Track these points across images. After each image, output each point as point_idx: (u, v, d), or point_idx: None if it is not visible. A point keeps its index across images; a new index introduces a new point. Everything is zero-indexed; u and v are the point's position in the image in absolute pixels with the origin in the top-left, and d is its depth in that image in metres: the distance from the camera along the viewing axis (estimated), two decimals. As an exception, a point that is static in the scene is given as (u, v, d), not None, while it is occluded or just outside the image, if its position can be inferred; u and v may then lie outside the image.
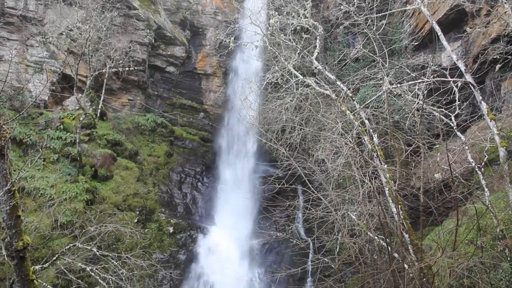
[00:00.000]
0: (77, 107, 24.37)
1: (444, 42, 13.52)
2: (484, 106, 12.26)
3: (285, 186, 14.85)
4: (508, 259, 11.83)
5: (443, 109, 13.31)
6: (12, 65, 23.26)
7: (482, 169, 12.87)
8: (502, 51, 16.41)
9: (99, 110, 25.68)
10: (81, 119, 22.20)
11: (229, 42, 16.69)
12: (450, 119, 13.39)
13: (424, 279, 11.26)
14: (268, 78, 17.90)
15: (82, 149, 22.30)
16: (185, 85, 29.94)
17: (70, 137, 22.70)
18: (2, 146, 9.07)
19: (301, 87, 16.96)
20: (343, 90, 15.70)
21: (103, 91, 26.09)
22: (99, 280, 14.90)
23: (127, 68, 25.88)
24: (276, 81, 17.70)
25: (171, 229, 22.82)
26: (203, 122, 29.69)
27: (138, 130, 26.82)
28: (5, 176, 9.24)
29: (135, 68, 26.91)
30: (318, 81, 16.41)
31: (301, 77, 16.52)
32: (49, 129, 23.07)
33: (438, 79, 13.45)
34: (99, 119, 25.54)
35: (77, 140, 21.86)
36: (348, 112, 14.89)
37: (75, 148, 22.08)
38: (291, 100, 17.55)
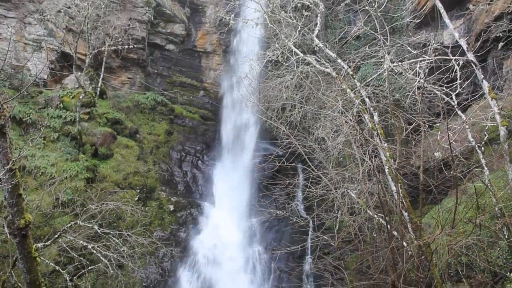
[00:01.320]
0: (77, 86, 24.25)
1: (446, 20, 13.39)
2: (485, 85, 12.20)
3: (285, 164, 14.89)
4: (506, 237, 11.94)
5: (444, 88, 13.26)
6: (10, 43, 23.07)
7: (482, 148, 12.88)
8: (505, 29, 16.26)
9: (98, 89, 25.57)
10: (80, 97, 22.11)
11: (229, 19, 16.54)
12: (451, 98, 13.35)
13: (423, 257, 11.38)
14: (268, 56, 17.78)
15: (82, 127, 22.28)
16: (185, 63, 29.74)
17: (70, 116, 22.65)
18: (2, 125, 9.06)
19: (301, 65, 16.87)
20: (343, 68, 15.62)
21: (103, 69, 25.93)
22: (101, 257, 15.07)
23: (126, 46, 25.67)
24: (276, 59, 17.59)
25: (171, 207, 22.96)
26: (203, 100, 29.59)
27: (138, 108, 26.76)
28: (6, 154, 9.26)
29: (135, 46, 26.70)
30: (319, 59, 16.31)
31: (301, 55, 16.41)
32: (49, 107, 23.01)
33: (440, 57, 13.36)
34: (99, 97, 25.45)
35: (77, 119, 21.83)
36: (348, 90, 14.84)
37: (75, 127, 22.06)
38: (291, 78, 17.48)
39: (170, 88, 29.10)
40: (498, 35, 16.38)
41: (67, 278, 14.86)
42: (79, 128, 21.90)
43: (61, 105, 23.18)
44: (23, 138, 20.58)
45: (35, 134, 19.25)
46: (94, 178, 21.26)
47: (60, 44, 24.84)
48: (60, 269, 14.96)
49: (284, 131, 15.06)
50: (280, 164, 15.04)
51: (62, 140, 22.11)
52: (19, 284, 14.22)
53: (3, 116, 9.08)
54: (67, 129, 22.33)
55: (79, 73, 23.14)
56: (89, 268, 16.22)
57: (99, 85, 25.70)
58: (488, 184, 11.98)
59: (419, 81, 12.85)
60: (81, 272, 16.49)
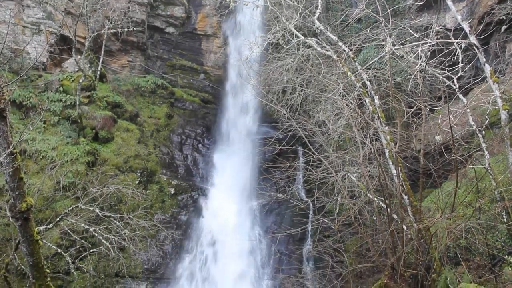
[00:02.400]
0: (76, 69, 24.13)
1: (449, 2, 13.26)
2: (487, 68, 12.13)
3: (286, 147, 14.90)
4: (505, 220, 11.99)
5: (445, 71, 13.18)
6: (9, 26, 22.88)
7: (483, 132, 12.87)
8: (508, 11, 16.11)
9: (98, 72, 25.44)
10: (80, 81, 22.02)
11: (230, 1, 16.39)
12: (453, 81, 13.29)
13: (422, 240, 11.46)
14: (269, 38, 17.65)
15: (82, 111, 22.24)
16: (185, 46, 29.53)
17: (70, 99, 22.58)
18: (3, 109, 9.04)
19: (302, 48, 16.76)
20: (344, 51, 15.52)
21: (102, 52, 25.76)
22: (102, 240, 15.20)
23: (126, 29, 25.47)
24: (277, 42, 17.47)
25: (172, 190, 23.04)
26: (204, 84, 29.46)
27: (138, 91, 26.66)
28: (6, 138, 9.26)
29: (134, 29, 26.48)
30: (320, 42, 16.20)
31: (302, 37, 16.29)
32: (48, 91, 22.93)
33: (442, 40, 13.27)
34: (99, 81, 25.34)
35: (77, 102, 21.77)
36: (349, 73, 14.77)
37: (75, 110, 22.02)
38: (292, 61, 17.38)
39: (170, 71, 28.95)
40: (501, 17, 16.24)
41: (69, 261, 15.02)
42: (79, 111, 21.85)
43: (61, 88, 23.09)
44: (23, 122, 20.56)
45: (35, 117, 19.23)
46: (94, 161, 21.29)
47: (59, 27, 24.64)
48: (62, 252, 15.11)
49: (284, 114, 15.04)
50: (280, 147, 15.05)
51: (63, 124, 22.08)
52: (22, 266, 14.38)
53: (3, 100, 9.06)
54: (67, 112, 22.29)
55: (79, 57, 23.01)
56: (91, 250, 16.37)
57: (99, 68, 25.57)
58: (488, 168, 12.00)
59: (420, 64, 12.77)
60: (83, 255, 16.66)
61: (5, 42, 14.25)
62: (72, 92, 22.82)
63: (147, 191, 21.83)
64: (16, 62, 22.77)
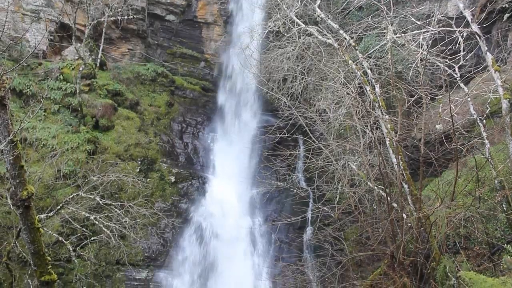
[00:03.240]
0: (76, 57, 24.02)
1: (451, -10, 13.15)
2: (489, 57, 12.08)
3: (286, 135, 14.93)
4: (505, 209, 12.03)
5: (447, 60, 13.13)
6: (8, 14, 22.74)
7: (484, 121, 12.86)
8: (511, -1, 15.99)
9: (98, 60, 25.33)
10: (80, 69, 21.94)
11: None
12: (454, 70, 13.25)
13: (422, 229, 11.51)
14: (269, 26, 17.58)
15: (82, 99, 22.18)
16: (186, 34, 29.34)
17: (70, 88, 22.51)
18: (3, 97, 9.01)
19: (303, 36, 16.69)
20: (345, 39, 15.46)
21: (102, 40, 25.63)
22: (103, 228, 15.25)
23: (126, 17, 25.30)
24: (277, 30, 17.41)
25: (172, 179, 23.07)
26: (204, 72, 29.34)
27: (138, 80, 26.56)
28: (6, 126, 9.24)
29: (134, 16, 26.30)
30: (321, 30, 16.13)
31: (303, 25, 16.22)
32: (48, 79, 22.86)
33: (443, 28, 13.20)
34: (99, 69, 25.24)
35: (77, 91, 21.71)
36: (350, 61, 14.74)
37: (75, 99, 21.97)
38: (293, 49, 17.32)
39: (170, 59, 28.81)
40: (504, 6, 16.12)
41: (70, 249, 15.08)
42: (79, 99, 21.80)
43: (61, 76, 23.01)
44: (23, 110, 20.52)
45: (35, 106, 19.20)
46: (95, 149, 21.30)
47: (58, 14, 24.48)
48: (63, 240, 15.18)
49: (285, 102, 15.03)
50: (281, 135, 15.08)
51: (63, 112, 22.05)
52: (24, 254, 14.45)
53: (3, 88, 9.02)
54: (68, 101, 22.24)
55: (79, 44, 22.89)
56: (92, 238, 16.44)
57: (99, 56, 25.46)
58: (489, 157, 12.00)
59: (422, 52, 12.71)
60: (84, 243, 16.72)
61: (4, 29, 14.16)
62: (72, 80, 22.74)
63: (148, 179, 21.85)
64: (16, 50, 22.68)
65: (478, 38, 12.31)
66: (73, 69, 23.29)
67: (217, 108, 27.59)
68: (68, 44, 24.97)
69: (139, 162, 22.47)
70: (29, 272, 13.88)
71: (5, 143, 9.12)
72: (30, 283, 13.64)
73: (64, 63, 23.72)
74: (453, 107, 10.96)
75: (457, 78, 13.06)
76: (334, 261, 14.01)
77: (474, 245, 12.43)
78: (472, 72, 14.11)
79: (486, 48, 12.22)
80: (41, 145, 19.76)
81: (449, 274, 10.99)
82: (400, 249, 11.06)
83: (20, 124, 11.29)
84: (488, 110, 13.24)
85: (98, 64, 25.17)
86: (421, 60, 12.81)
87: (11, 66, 17.28)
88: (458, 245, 12.52)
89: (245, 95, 26.46)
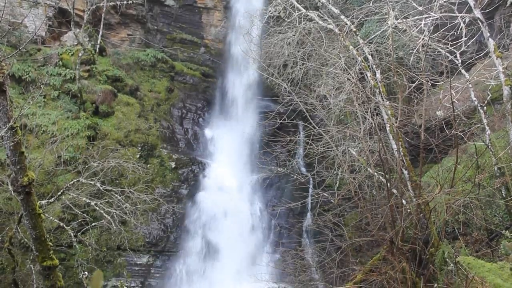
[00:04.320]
0: (76, 43, 23.88)
1: (453, -25, 13.02)
2: (491, 43, 12.01)
3: (286, 121, 14.89)
4: (504, 196, 12.07)
5: (448, 46, 13.06)
6: (6, -2, 22.55)
7: (485, 107, 12.83)
8: (514, -16, 15.82)
9: (98, 46, 25.20)
10: (80, 55, 21.84)
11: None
12: (455, 56, 13.18)
13: (421, 215, 11.55)
14: (270, 11, 17.44)
15: (82, 85, 22.11)
16: (185, 19, 29.15)
17: (69, 74, 22.43)
18: (2, 83, 8.97)
19: (304, 21, 16.57)
20: (346, 24, 15.36)
21: (102, 26, 25.46)
22: (104, 214, 15.32)
23: (125, 2, 25.11)
24: (278, 15, 17.28)
25: (173, 164, 23.12)
26: (204, 57, 29.20)
27: (138, 65, 26.45)
28: (6, 113, 9.22)
29: (134, 1, 26.11)
30: (322, 15, 16.02)
31: (304, 10, 16.10)
32: (48, 65, 22.76)
33: (445, 14, 13.10)
34: (99, 54, 25.12)
35: (77, 76, 21.63)
36: (351, 47, 14.65)
37: (75, 85, 21.90)
38: (293, 35, 17.22)
39: (170, 45, 28.66)
40: (506, -10, 15.96)
41: (71, 234, 15.16)
42: (79, 86, 21.73)
43: (60, 62, 22.91)
44: (23, 97, 20.48)
45: (35, 92, 19.14)
46: (95, 136, 21.30)
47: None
48: (64, 226, 15.25)
49: (285, 88, 14.98)
50: (281, 121, 15.03)
51: (63, 98, 22.00)
52: (25, 239, 14.54)
53: (2, 74, 8.98)
54: (67, 87, 22.18)
55: (78, 30, 22.74)
56: (93, 224, 16.52)
57: (98, 42, 25.32)
58: (489, 144, 12.01)
59: (423, 38, 12.64)
60: (84, 228, 16.81)
61: (2, 15, 14.05)
62: (71, 66, 22.65)
63: (148, 165, 21.89)
64: (14, 36, 22.54)
65: (480, 23, 12.23)
66: (72, 55, 23.18)
67: (217, 94, 27.53)
68: (67, 30, 24.81)
69: (139, 148, 22.49)
70: (31, 258, 13.97)
71: (5, 129, 9.11)
72: (32, 268, 13.73)
73: (63, 49, 23.60)
74: (454, 94, 10.92)
75: (459, 64, 13.01)
76: (333, 246, 14.06)
77: (472, 231, 12.51)
78: (473, 59, 14.05)
79: (488, 34, 12.15)
80: (41, 132, 19.76)
81: (447, 259, 11.06)
82: (399, 235, 11.10)
83: (20, 110, 11.27)
84: (489, 96, 13.22)
85: (97, 50, 25.05)
86: (422, 46, 12.75)
87: (10, 52, 17.19)
88: (457, 231, 12.59)
89: (245, 81, 26.37)
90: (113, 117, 22.86)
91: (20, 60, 21.96)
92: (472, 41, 12.85)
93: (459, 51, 12.94)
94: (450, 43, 13.03)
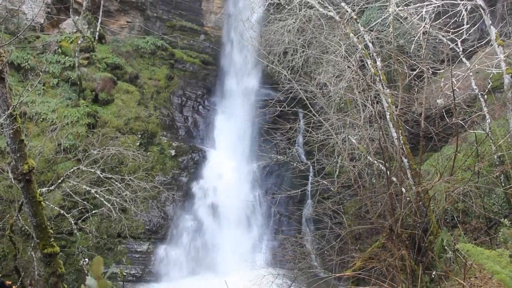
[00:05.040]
0: (75, 30, 23.76)
1: (456, -39, 12.89)
2: (493, 31, 11.93)
3: (286, 109, 14.85)
4: (503, 184, 12.09)
5: (449, 34, 12.97)
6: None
7: (485, 96, 12.79)
8: (516, -29, 15.67)
9: (97, 33, 25.07)
10: (79, 42, 21.73)
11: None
12: (457, 44, 13.11)
13: (420, 203, 11.58)
14: (270, -2, 17.32)
15: (81, 73, 22.04)
16: (185, 6, 28.96)
17: (69, 61, 22.35)
18: (1, 70, 8.94)
19: (304, 8, 16.45)
20: (347, 12, 15.25)
21: (101, 13, 25.32)
22: (104, 201, 15.36)
23: (124, -12, 24.93)
24: (278, 2, 17.16)
25: (173, 152, 23.14)
26: (204, 45, 29.07)
27: (137, 53, 26.35)
28: (5, 100, 9.20)
29: (133, -13, 25.93)
30: (322, 2, 15.90)
31: (304, -3, 15.97)
32: (47, 53, 22.66)
33: (447, 1, 12.98)
34: (98, 42, 25.01)
35: (76, 64, 21.55)
36: (351, 35, 14.57)
37: (74, 72, 21.83)
38: (293, 22, 17.11)
39: (170, 32, 28.50)
40: (508, -23, 15.82)
41: (72, 222, 15.21)
42: (78, 73, 21.67)
43: (60, 50, 22.82)
44: (22, 84, 20.42)
45: (34, 79, 19.08)
46: (95, 123, 21.29)
47: (55, -15, 24.12)
48: (64, 213, 15.30)
49: (285, 76, 14.92)
50: (281, 109, 15.00)
51: (62, 86, 21.95)
52: (26, 227, 14.59)
53: (0, 61, 8.95)
54: (67, 74, 22.11)
55: (77, 17, 22.61)
56: (93, 212, 16.57)
57: (98, 29, 25.19)
58: (489, 132, 11.99)
59: (424, 26, 12.55)
60: (85, 216, 16.86)
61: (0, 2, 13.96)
62: (70, 54, 22.56)
63: (148, 153, 21.92)
64: (13, 23, 22.39)
65: (482, 11, 12.13)
66: (71, 42, 23.08)
67: (217, 82, 27.47)
68: (65, 17, 24.68)
69: (139, 136, 22.49)
70: (32, 245, 14.03)
71: (4, 116, 9.10)
72: (34, 255, 13.80)
73: (62, 36, 23.50)
74: (455, 82, 10.88)
75: (460, 53, 12.93)
76: (333, 234, 14.10)
77: (471, 219, 12.55)
78: (475, 47, 13.97)
79: (490, 22, 12.06)
80: (41, 119, 19.75)
81: (446, 247, 11.11)
82: (399, 223, 11.14)
83: (19, 98, 11.24)
84: (489, 85, 13.17)
85: (96, 37, 24.93)
86: (423, 33, 12.66)
87: (8, 40, 17.08)
88: (456, 219, 12.64)
89: (245, 69, 26.28)
90: (113, 104, 22.82)
91: (19, 47, 21.86)
92: (473, 29, 12.78)
93: (461, 39, 12.85)
94: (451, 30, 12.95)
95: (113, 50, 25.16)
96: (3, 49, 9.33)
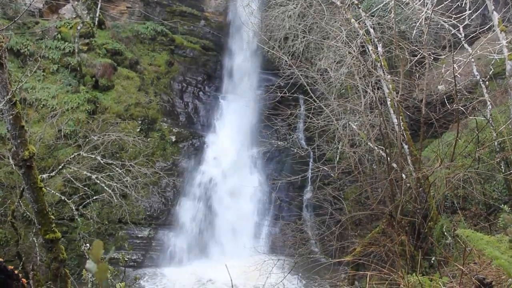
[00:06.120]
0: (74, 16, 23.60)
1: None
2: (495, 16, 11.84)
3: (287, 95, 14.82)
4: (503, 170, 12.10)
5: (451, 19, 12.88)
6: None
7: (487, 82, 12.74)
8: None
9: (97, 19, 24.89)
10: (78, 28, 21.59)
11: None
12: (458, 30, 13.02)
13: (421, 189, 11.61)
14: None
15: (81, 59, 21.95)
16: (185, -10, 28.75)
17: (68, 47, 22.23)
18: (0, 56, 8.90)
19: (305, -7, 16.34)
20: (348, -3, 15.13)
21: (100, -3, 25.13)
22: (105, 187, 15.40)
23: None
24: (279, -13, 17.02)
25: (173, 138, 23.15)
26: (204, 30, 28.86)
27: (137, 38, 26.18)
28: (5, 86, 9.17)
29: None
30: (323, -13, 15.78)
31: (305, -18, 15.83)
32: (46, 38, 22.53)
33: (449, -14, 12.88)
34: (98, 27, 24.84)
35: (76, 50, 21.45)
36: (353, 20, 14.47)
37: (74, 58, 21.73)
38: (294, 7, 17.00)
39: (170, 17, 28.27)
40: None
41: (73, 208, 15.27)
42: (78, 59, 21.57)
43: (59, 36, 22.68)
44: (22, 70, 20.34)
45: (33, 65, 19.02)
46: (95, 109, 21.26)
47: (54, -30, 23.89)
48: (66, 199, 15.35)
49: (286, 61, 14.86)
50: (282, 94, 14.97)
51: (62, 72, 21.87)
52: (28, 213, 14.67)
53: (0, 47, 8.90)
54: (66, 60, 22.01)
55: (76, 2, 22.45)
56: (94, 198, 16.63)
57: (97, 14, 25.00)
58: (490, 119, 11.98)
59: (426, 11, 12.45)
60: (86, 202, 16.93)
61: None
62: (70, 40, 22.43)
63: (148, 139, 21.92)
64: (11, 8, 22.23)
65: (484, -4, 12.03)
66: (71, 28, 22.93)
67: (218, 67, 27.35)
68: (65, 2, 24.48)
69: (140, 122, 22.48)
70: (33, 231, 14.11)
71: (3, 102, 9.08)
72: (35, 241, 13.89)
73: (62, 21, 23.34)
74: (456, 68, 10.83)
75: (462, 38, 12.85)
76: (333, 220, 14.17)
77: (471, 205, 12.59)
78: (477, 32, 13.88)
79: (493, 7, 11.96)
80: (41, 106, 19.72)
81: (445, 233, 11.18)
82: (399, 209, 11.19)
83: (18, 83, 11.21)
84: (491, 71, 13.11)
85: (96, 23, 24.75)
86: (425, 19, 12.57)
87: (6, 25, 16.97)
88: (455, 205, 12.68)
89: (245, 54, 26.16)
90: (113, 90, 22.77)
91: (18, 33, 21.74)
92: (476, 14, 12.68)
93: (463, 25, 12.77)
94: (453, 16, 12.86)
95: (113, 36, 25.01)
96: (1, 34, 9.28)
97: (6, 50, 9.32)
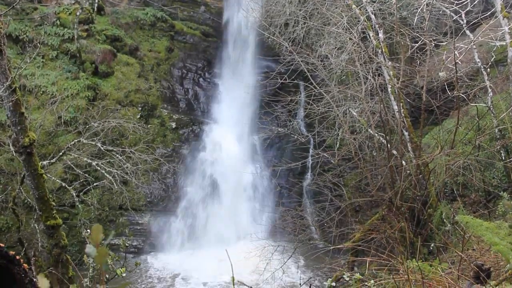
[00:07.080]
0: (73, 1, 23.40)
1: None
2: (498, 2, 11.75)
3: (287, 81, 14.78)
4: (503, 158, 12.11)
5: (453, 5, 12.79)
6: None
7: (488, 69, 12.68)
8: None
9: (96, 4, 24.68)
10: (77, 14, 21.43)
11: None
12: (460, 16, 12.93)
13: (420, 176, 11.65)
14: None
15: (81, 45, 21.82)
16: (184, -24, 28.47)
17: (67, 33, 22.09)
18: (-1, 42, 8.87)
19: (305, -22, 16.21)
20: (349, -18, 14.99)
21: (99, -18, 24.91)
22: (105, 174, 15.43)
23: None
24: (280, -28, 16.87)
25: (173, 125, 23.13)
26: (204, 16, 28.63)
27: (137, 25, 25.99)
28: (4, 72, 9.15)
29: (131, -43, 25.42)
30: (324, -27, 15.62)
31: (306, -32, 15.68)
32: (45, 24, 22.38)
33: (451, -29, 12.75)
34: (97, 13, 24.64)
35: (75, 36, 21.32)
36: (354, 6, 14.37)
37: (73, 45, 21.61)
38: (295, -7, 16.87)
39: (169, 3, 28.03)
40: None
41: (74, 194, 15.33)
42: (78, 45, 21.45)
43: (58, 22, 22.52)
44: (21, 57, 20.24)
45: (33, 52, 18.93)
46: (95, 96, 21.20)
47: (52, -46, 23.64)
48: (66, 186, 15.40)
49: (286, 47, 14.80)
50: (282, 81, 14.93)
51: (61, 58, 21.76)
52: (29, 199, 14.72)
53: (-2, 33, 8.86)
54: (66, 47, 21.89)
55: (75, -13, 22.26)
56: (94, 184, 16.67)
57: (96, 0, 24.81)
58: (491, 106, 11.95)
59: (427, -3, 12.35)
60: (86, 188, 16.97)
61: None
62: (69, 26, 22.28)
63: (148, 125, 21.90)
64: (10, -7, 22.05)
65: (486, -19, 11.93)
66: (70, 14, 22.77)
67: (218, 54, 27.18)
68: (63, -13, 24.28)
69: (140, 108, 22.45)
70: (35, 217, 14.17)
71: (3, 88, 9.06)
72: (37, 227, 13.96)
73: (61, 7, 23.14)
74: (458, 55, 10.78)
75: (463, 25, 12.76)
76: (333, 206, 14.23)
77: (471, 192, 12.63)
78: (479, 19, 13.78)
79: (495, -7, 11.87)
80: (41, 92, 19.67)
81: (445, 220, 11.23)
82: (398, 195, 11.23)
83: (17, 70, 11.16)
84: (493, 58, 13.04)
85: (95, 9, 24.56)
86: (426, 5, 12.47)
87: (5, 10, 16.85)
88: (455, 192, 12.72)
89: (246, 40, 25.99)
90: (113, 77, 22.68)
91: (17, 19, 21.59)
92: (478, 0, 12.58)
93: (464, 11, 12.66)
94: (455, 2, 12.75)
95: (112, 22, 24.84)
96: (0, 20, 9.22)
97: (4, 36, 9.28)
